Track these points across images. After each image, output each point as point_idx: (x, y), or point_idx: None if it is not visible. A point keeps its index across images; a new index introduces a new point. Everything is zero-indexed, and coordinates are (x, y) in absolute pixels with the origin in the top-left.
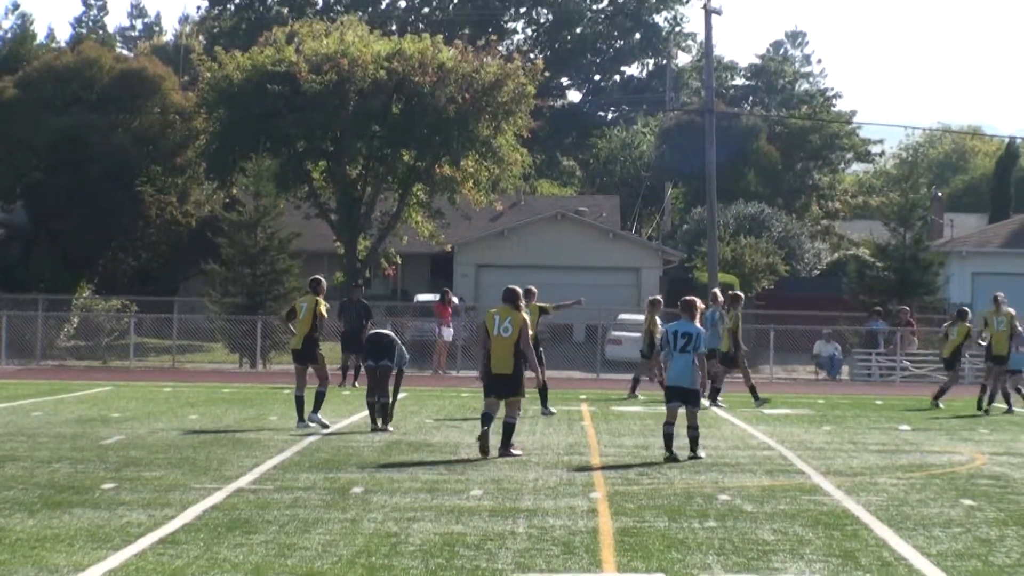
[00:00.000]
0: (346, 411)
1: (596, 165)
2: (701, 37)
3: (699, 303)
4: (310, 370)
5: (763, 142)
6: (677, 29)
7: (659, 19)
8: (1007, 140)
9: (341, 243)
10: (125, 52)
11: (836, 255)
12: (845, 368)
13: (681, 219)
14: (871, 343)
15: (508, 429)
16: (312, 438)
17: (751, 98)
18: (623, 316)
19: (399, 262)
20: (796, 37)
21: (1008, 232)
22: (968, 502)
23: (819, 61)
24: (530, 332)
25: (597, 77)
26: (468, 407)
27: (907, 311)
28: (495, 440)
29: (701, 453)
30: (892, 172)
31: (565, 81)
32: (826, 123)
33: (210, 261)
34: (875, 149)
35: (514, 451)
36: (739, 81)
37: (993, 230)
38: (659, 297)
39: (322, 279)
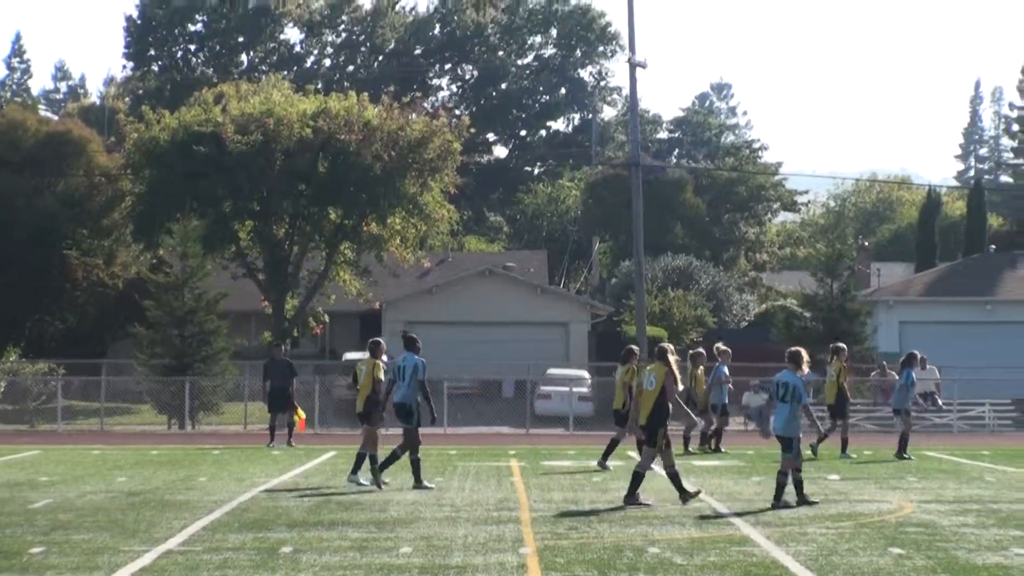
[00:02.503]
0: (275, 470)
1: (523, 220)
2: (626, 91)
3: (805, 354)
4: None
5: (690, 194)
6: (602, 83)
7: (584, 74)
8: (929, 189)
9: (269, 303)
10: (50, 115)
11: (764, 306)
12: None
13: (609, 273)
14: None
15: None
16: (242, 498)
17: (677, 151)
18: (552, 371)
19: (327, 320)
20: (721, 89)
21: (932, 281)
22: (897, 550)
23: (744, 113)
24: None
25: (523, 132)
26: (400, 464)
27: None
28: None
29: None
30: (819, 222)
31: (491, 137)
32: (752, 175)
33: (136, 324)
34: (802, 199)
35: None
36: (665, 134)
37: (919, 279)
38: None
39: (381, 341)
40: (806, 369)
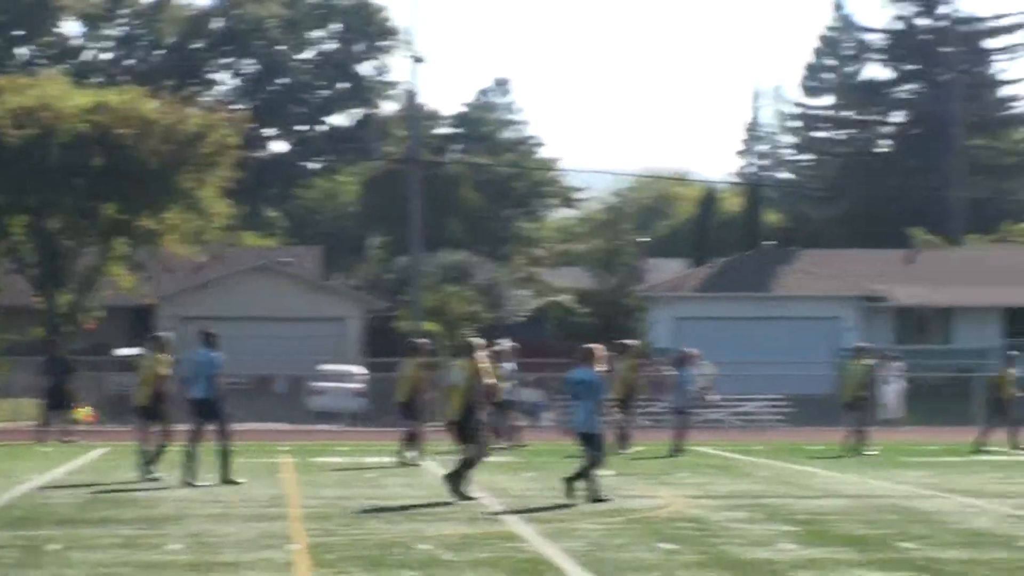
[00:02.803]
0: (45, 466)
1: (301, 215)
2: (407, 86)
3: (598, 350)
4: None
5: (468, 190)
6: (382, 78)
7: (364, 68)
8: (706, 185)
9: (41, 298)
10: None
11: (540, 302)
12: (550, 414)
13: (385, 268)
14: None
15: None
16: (8, 495)
17: (456, 146)
18: (325, 366)
19: (102, 316)
20: (501, 84)
21: (708, 276)
22: (666, 545)
23: (524, 109)
24: None
25: (303, 127)
26: (173, 461)
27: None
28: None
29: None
30: (598, 218)
31: (271, 132)
32: (530, 170)
33: None
34: (580, 195)
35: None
36: (444, 129)
37: (695, 275)
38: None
39: (165, 336)
40: (601, 365)
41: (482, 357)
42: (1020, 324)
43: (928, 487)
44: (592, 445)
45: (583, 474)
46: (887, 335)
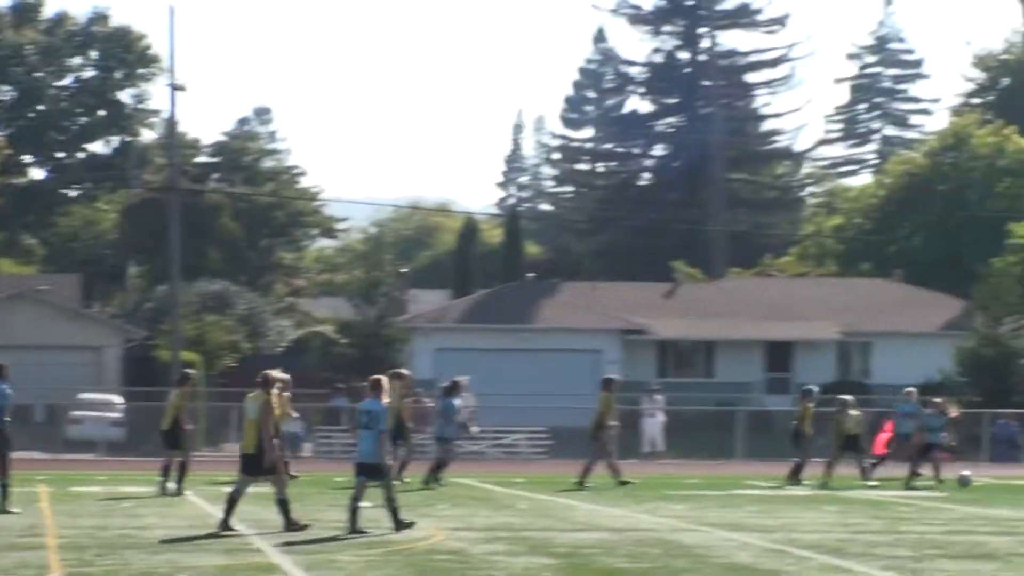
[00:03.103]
0: None
1: (58, 243)
2: (166, 114)
3: (385, 381)
4: None
5: (227, 219)
6: (142, 106)
7: (124, 96)
8: (467, 216)
9: None
10: None
11: (301, 332)
12: (308, 445)
13: (144, 297)
14: (334, 419)
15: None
16: None
17: (216, 175)
18: (83, 395)
19: None
20: (261, 114)
21: (468, 307)
22: None
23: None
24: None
25: (61, 154)
26: None
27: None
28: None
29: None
30: (358, 248)
31: (28, 158)
32: (290, 200)
33: None
34: (341, 225)
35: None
36: (204, 158)
37: (455, 306)
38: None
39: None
40: (387, 397)
41: (276, 391)
42: (781, 358)
43: (690, 520)
44: (378, 475)
45: (392, 501)
46: (649, 368)
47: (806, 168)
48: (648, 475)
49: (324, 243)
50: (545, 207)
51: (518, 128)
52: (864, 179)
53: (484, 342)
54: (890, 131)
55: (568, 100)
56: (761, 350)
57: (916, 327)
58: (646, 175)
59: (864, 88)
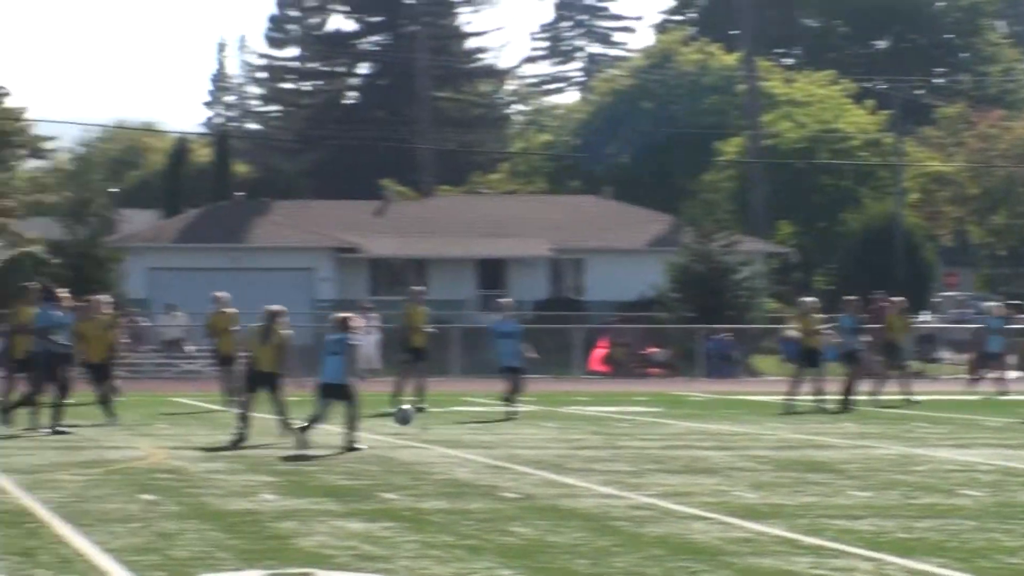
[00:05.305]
0: None
1: None
2: None
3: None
4: None
5: None
6: None
7: None
8: (178, 136)
9: None
10: None
11: (12, 252)
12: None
13: None
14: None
15: None
16: None
17: None
18: None
19: None
20: None
21: (182, 227)
22: (147, 496)
23: None
24: None
25: None
26: None
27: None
28: None
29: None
30: (67, 168)
31: None
32: None
33: None
34: (49, 145)
35: None
36: None
37: (169, 225)
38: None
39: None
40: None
41: None
42: (494, 275)
43: (409, 437)
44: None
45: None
46: (362, 286)
47: (511, 86)
48: (364, 393)
49: (33, 163)
50: (252, 126)
51: (222, 47)
52: (571, 97)
53: (197, 261)
54: (595, 49)
55: (271, 19)
56: (473, 268)
57: (627, 243)
58: (352, 94)
59: (568, 6)
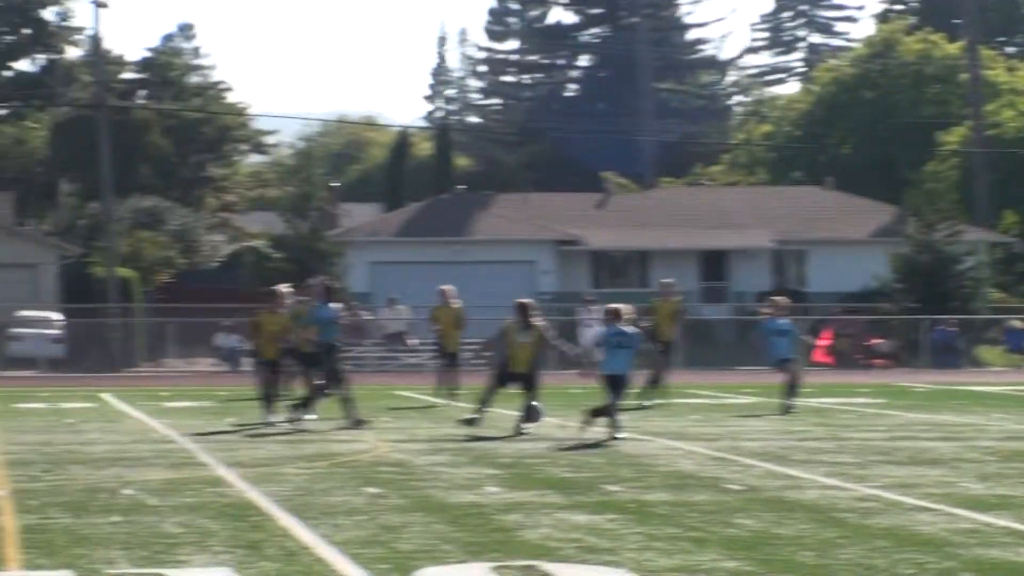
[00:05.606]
0: None
1: None
2: (90, 31)
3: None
4: None
5: (156, 135)
6: (65, 23)
7: (47, 14)
8: (400, 130)
9: None
10: None
11: (234, 247)
12: (247, 359)
13: (77, 214)
14: None
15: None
16: None
17: (143, 91)
18: (22, 312)
19: None
20: (185, 30)
21: (403, 221)
22: (372, 490)
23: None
24: None
25: None
26: None
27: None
28: None
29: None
30: (288, 163)
31: None
32: (218, 115)
33: None
34: (270, 140)
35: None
36: (130, 75)
37: (390, 219)
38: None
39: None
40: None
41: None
42: (716, 267)
43: (633, 430)
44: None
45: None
46: (583, 279)
47: (732, 77)
48: (588, 385)
49: (255, 158)
50: (473, 119)
51: (442, 41)
52: (791, 88)
53: (419, 255)
54: (816, 39)
55: (492, 12)
56: (695, 259)
57: (850, 234)
58: (572, 86)
59: None
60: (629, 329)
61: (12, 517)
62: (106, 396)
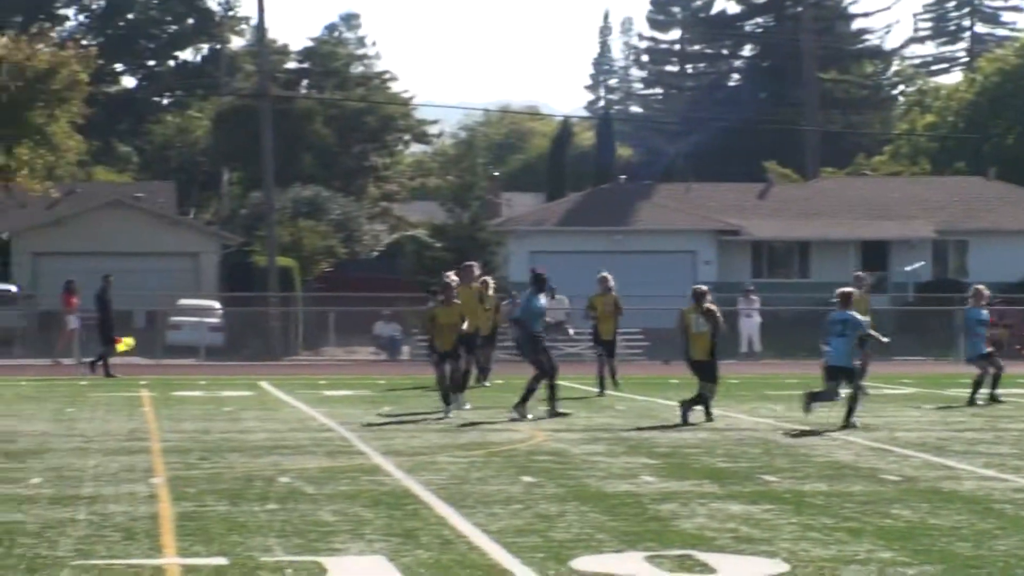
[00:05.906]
0: None
1: (152, 151)
2: (254, 20)
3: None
4: None
5: (319, 125)
6: (230, 13)
7: (212, 3)
8: (562, 119)
9: None
10: None
11: (395, 236)
12: (406, 348)
13: (239, 203)
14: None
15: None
16: None
17: (306, 81)
18: (183, 301)
19: None
20: (349, 19)
21: (564, 211)
22: (528, 479)
23: (373, 43)
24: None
25: (152, 62)
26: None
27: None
28: None
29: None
30: (450, 153)
31: (119, 67)
32: (381, 105)
33: None
34: (432, 130)
35: None
36: (294, 64)
37: (550, 209)
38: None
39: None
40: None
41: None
42: (877, 257)
43: (789, 420)
44: (848, 377)
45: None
46: (744, 269)
47: (896, 67)
48: (746, 375)
49: (416, 147)
50: (635, 109)
51: (605, 30)
52: (955, 77)
53: (579, 244)
54: (980, 28)
55: (655, 2)
56: (856, 250)
57: (1012, 224)
58: (735, 76)
59: None
60: (852, 316)
61: (169, 504)
62: (264, 384)
